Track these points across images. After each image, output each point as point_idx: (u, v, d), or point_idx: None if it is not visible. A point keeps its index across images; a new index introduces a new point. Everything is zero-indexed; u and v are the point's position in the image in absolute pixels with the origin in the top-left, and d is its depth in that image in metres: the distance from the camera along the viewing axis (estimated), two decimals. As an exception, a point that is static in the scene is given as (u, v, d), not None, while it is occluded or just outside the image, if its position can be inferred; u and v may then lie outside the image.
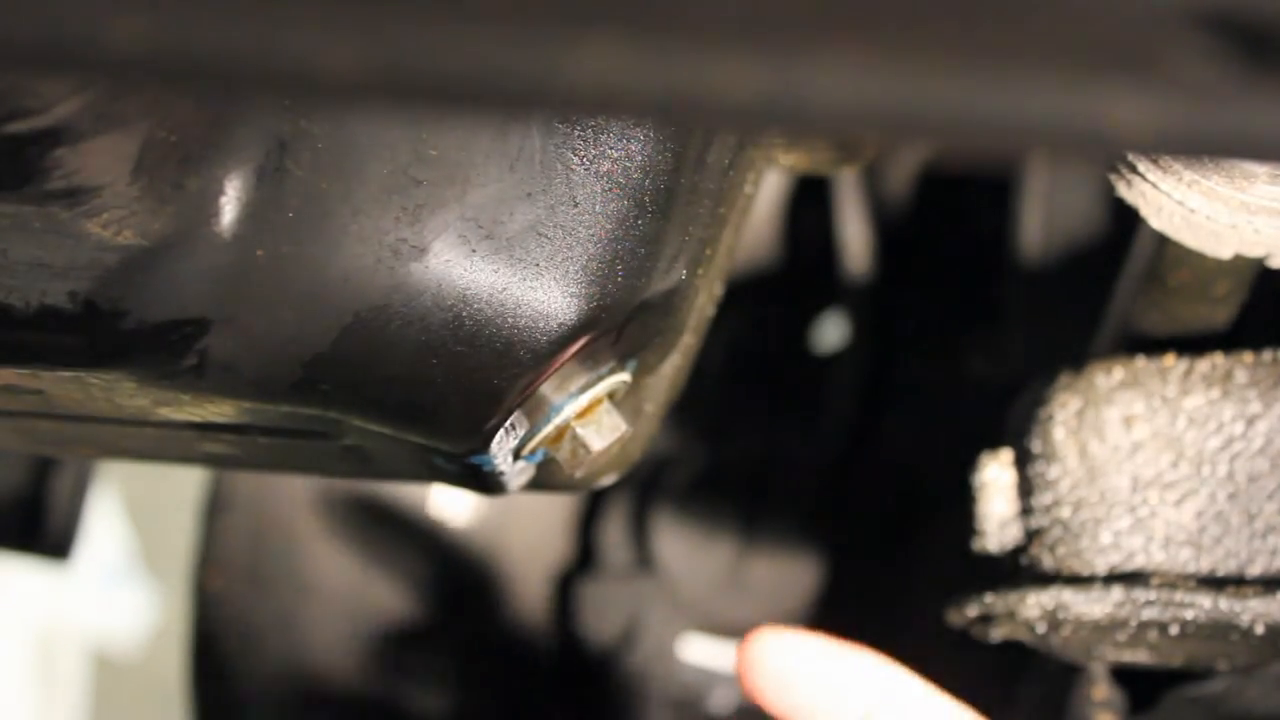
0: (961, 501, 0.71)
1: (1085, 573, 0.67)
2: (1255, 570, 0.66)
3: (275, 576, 1.15)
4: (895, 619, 0.94)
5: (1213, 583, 0.66)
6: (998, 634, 0.69)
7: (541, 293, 0.54)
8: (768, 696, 0.66)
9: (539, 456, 0.61)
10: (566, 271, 0.54)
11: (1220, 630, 0.66)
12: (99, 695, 2.24)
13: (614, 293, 0.55)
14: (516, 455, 0.60)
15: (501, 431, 0.57)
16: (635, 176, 0.55)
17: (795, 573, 1.11)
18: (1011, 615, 0.68)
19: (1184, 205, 0.60)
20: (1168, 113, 0.31)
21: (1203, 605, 0.66)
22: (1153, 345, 0.70)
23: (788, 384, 1.16)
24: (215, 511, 1.18)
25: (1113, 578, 0.67)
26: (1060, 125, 0.31)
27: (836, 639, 0.66)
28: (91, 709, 2.23)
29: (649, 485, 1.12)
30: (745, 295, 1.10)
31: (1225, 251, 0.61)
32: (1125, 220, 0.66)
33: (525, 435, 0.59)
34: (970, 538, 0.70)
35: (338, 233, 0.52)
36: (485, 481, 0.60)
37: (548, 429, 0.60)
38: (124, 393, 0.56)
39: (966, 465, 0.71)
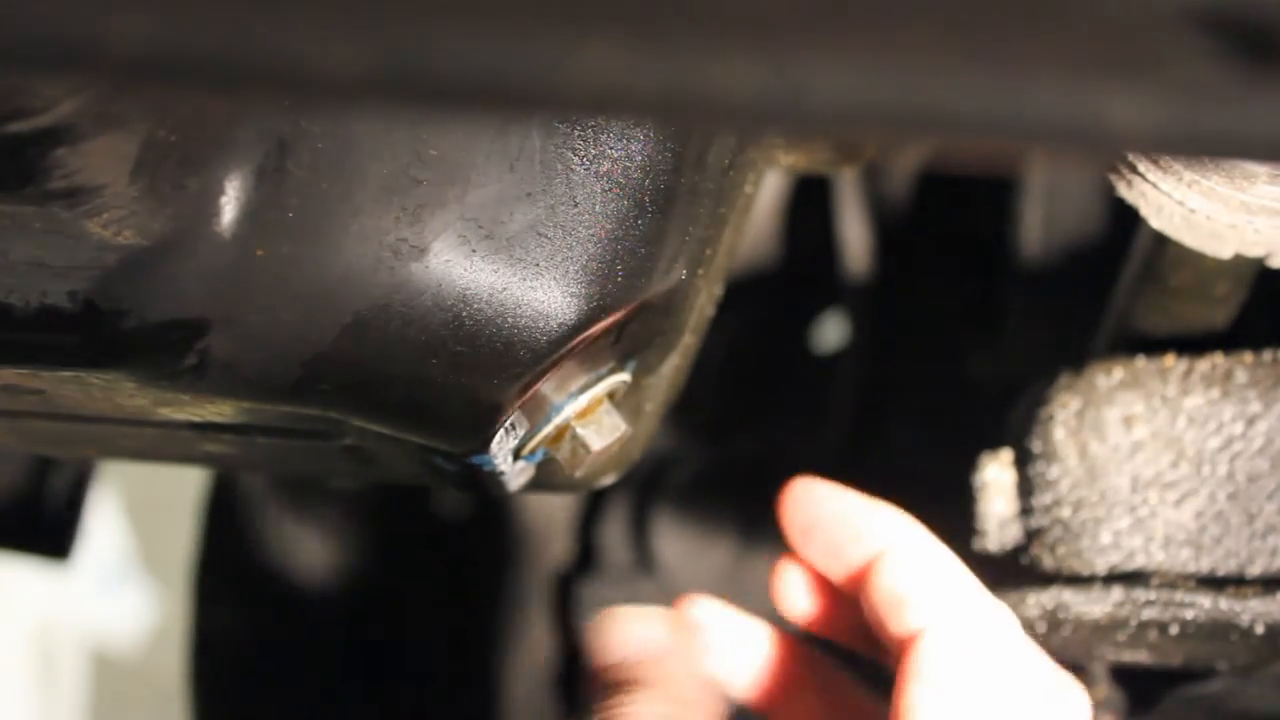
0: (961, 501, 0.71)
1: (1085, 573, 0.67)
2: (1255, 570, 0.66)
3: (275, 576, 1.15)
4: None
5: (1213, 583, 0.66)
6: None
7: (541, 293, 0.54)
8: (797, 541, 0.68)
9: (539, 456, 0.61)
10: (566, 271, 0.54)
11: (1220, 630, 0.66)
12: (99, 695, 2.24)
13: (614, 293, 0.55)
14: (516, 455, 0.60)
15: (501, 431, 0.57)
16: (635, 176, 0.55)
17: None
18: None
19: (1184, 205, 0.60)
20: (1168, 113, 0.31)
21: (1203, 605, 0.66)
22: (1153, 345, 0.70)
23: (788, 384, 1.16)
24: (215, 511, 1.18)
25: (1113, 578, 0.67)
26: (1060, 125, 0.31)
27: (858, 491, 0.69)
28: (91, 709, 2.23)
29: (649, 485, 1.12)
30: (745, 295, 1.10)
31: (1225, 251, 0.61)
32: (1125, 220, 0.66)
33: (525, 435, 0.59)
34: (970, 538, 0.70)
35: (338, 233, 0.52)
36: (485, 481, 0.60)
37: (548, 429, 0.60)
38: (124, 393, 0.56)
39: (966, 465, 0.71)
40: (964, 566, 0.65)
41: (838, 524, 0.67)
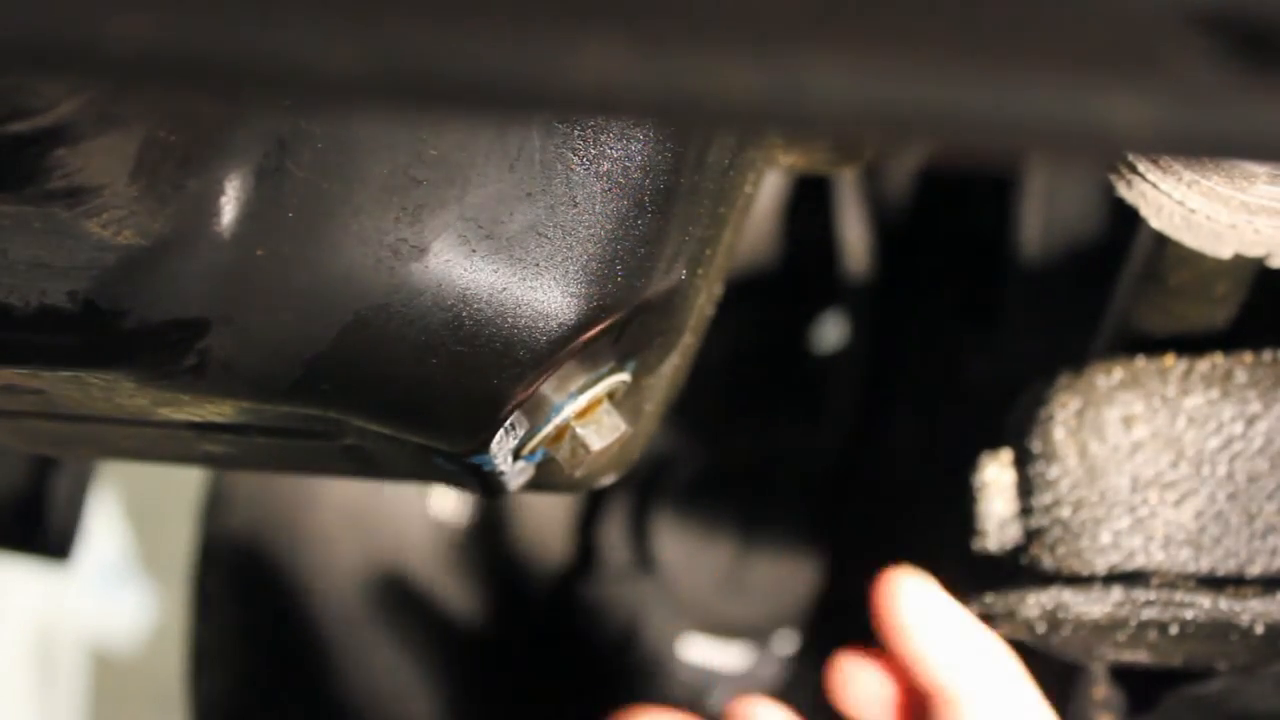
0: (961, 501, 0.71)
1: (1085, 573, 0.67)
2: (1255, 570, 0.66)
3: (275, 576, 1.15)
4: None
5: (1213, 583, 0.66)
6: (998, 634, 0.69)
7: (541, 293, 0.54)
8: (888, 633, 0.69)
9: (539, 456, 0.61)
10: (566, 271, 0.54)
11: (1220, 630, 0.66)
12: (99, 695, 2.24)
13: (614, 293, 0.55)
14: (516, 455, 0.60)
15: (501, 431, 0.57)
16: (635, 176, 0.55)
17: (795, 573, 1.11)
18: (1011, 615, 0.68)
19: (1184, 205, 0.60)
20: (1168, 113, 0.31)
21: (1203, 605, 0.66)
22: (1153, 345, 0.70)
23: (788, 384, 1.16)
24: (215, 511, 1.18)
25: (1113, 578, 0.67)
26: (1060, 125, 0.31)
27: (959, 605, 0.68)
28: (91, 709, 2.23)
29: (649, 485, 1.12)
30: (745, 295, 1.10)
31: (1225, 251, 0.61)
32: (1125, 220, 0.66)
33: (525, 435, 0.59)
34: (970, 538, 0.70)
35: (338, 233, 0.52)
36: (485, 481, 0.60)
37: (548, 429, 0.60)
38: (124, 393, 0.56)
39: (966, 465, 0.71)
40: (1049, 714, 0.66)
41: (937, 640, 0.68)
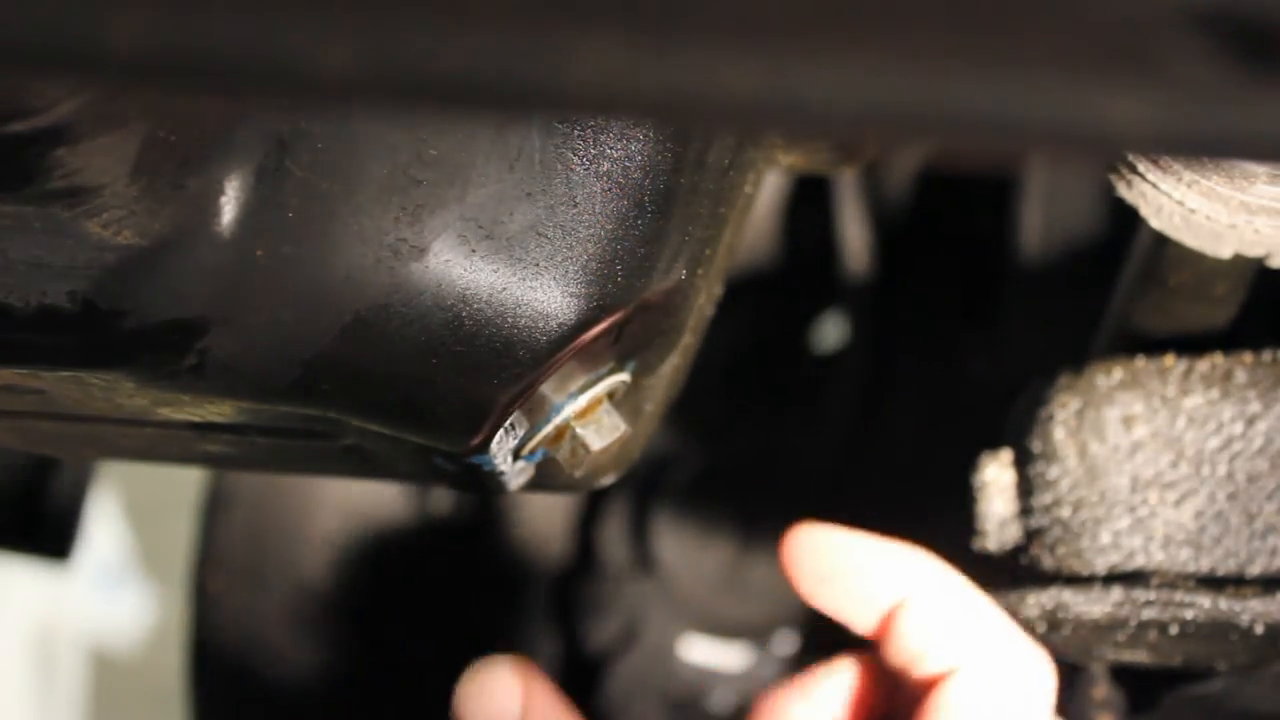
0: (961, 501, 0.71)
1: (1085, 573, 0.67)
2: (1255, 570, 0.66)
3: (275, 576, 1.15)
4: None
5: (1213, 583, 0.66)
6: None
7: (541, 293, 0.54)
8: (806, 590, 0.67)
9: (539, 456, 0.61)
10: (566, 271, 0.54)
11: (1220, 630, 0.66)
12: (99, 695, 2.24)
13: (614, 293, 0.55)
14: (516, 455, 0.60)
15: (501, 431, 0.57)
16: (635, 176, 0.55)
17: (795, 573, 1.11)
18: (1011, 615, 0.68)
19: (1184, 205, 0.60)
20: (1168, 113, 0.31)
21: (1202, 605, 0.66)
22: (1153, 345, 0.70)
23: (788, 384, 1.16)
24: (215, 511, 1.18)
25: (1112, 578, 0.67)
26: (1060, 125, 0.31)
27: (870, 534, 0.67)
28: (91, 709, 2.23)
29: (649, 485, 1.12)
30: (745, 295, 1.10)
31: (1225, 251, 0.61)
32: (1125, 220, 0.66)
33: (525, 435, 0.59)
34: (970, 538, 0.70)
35: (338, 233, 0.52)
36: (485, 481, 0.60)
37: (548, 429, 0.60)
38: (124, 393, 0.56)
39: (966, 465, 0.71)
40: (995, 606, 0.65)
41: (854, 574, 0.66)
